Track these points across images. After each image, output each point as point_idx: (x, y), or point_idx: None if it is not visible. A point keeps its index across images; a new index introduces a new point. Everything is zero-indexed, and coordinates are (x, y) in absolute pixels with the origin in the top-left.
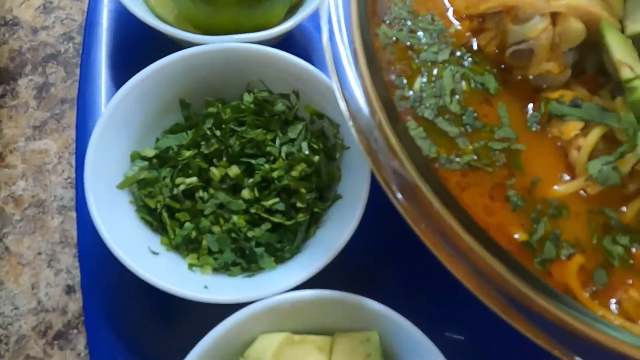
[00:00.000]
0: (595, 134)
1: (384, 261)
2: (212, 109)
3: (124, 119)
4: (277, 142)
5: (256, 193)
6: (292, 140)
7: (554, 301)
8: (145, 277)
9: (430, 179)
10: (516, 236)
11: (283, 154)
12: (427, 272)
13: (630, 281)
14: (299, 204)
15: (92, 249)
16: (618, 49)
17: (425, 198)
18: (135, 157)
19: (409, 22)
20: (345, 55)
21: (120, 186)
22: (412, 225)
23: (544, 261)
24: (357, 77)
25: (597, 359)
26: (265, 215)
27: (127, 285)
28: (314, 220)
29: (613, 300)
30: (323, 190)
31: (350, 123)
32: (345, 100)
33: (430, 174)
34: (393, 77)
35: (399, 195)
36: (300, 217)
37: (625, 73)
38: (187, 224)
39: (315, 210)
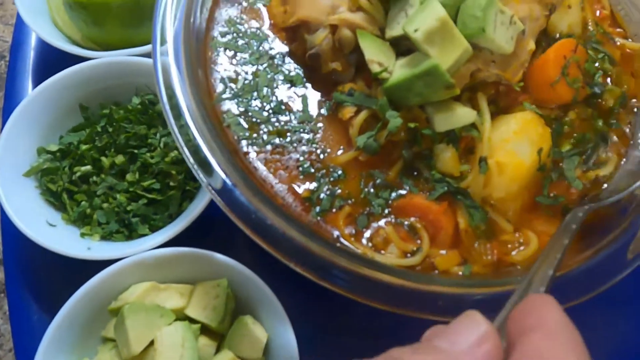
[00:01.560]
0: (362, 115)
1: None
2: (105, 111)
3: (30, 120)
4: (158, 135)
5: (137, 176)
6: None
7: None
8: (39, 241)
9: (234, 158)
10: (300, 192)
11: (162, 144)
12: None
13: (383, 224)
14: (171, 183)
15: (12, 231)
16: (370, 50)
17: (233, 174)
18: (41, 151)
19: (238, 34)
20: (174, 65)
21: (26, 174)
22: (221, 204)
23: (321, 212)
24: (181, 81)
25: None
26: (142, 193)
27: (39, 259)
28: (189, 197)
29: (368, 238)
30: None
31: (175, 127)
32: (169, 102)
33: (234, 154)
34: (220, 77)
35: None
36: (171, 193)
37: (374, 68)
38: (83, 203)
39: (188, 188)
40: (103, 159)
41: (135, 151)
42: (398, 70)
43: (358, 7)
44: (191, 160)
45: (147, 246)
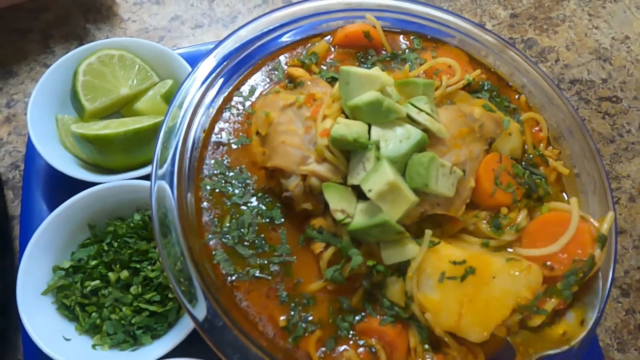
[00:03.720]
0: (330, 250)
1: None
2: (110, 228)
3: (45, 244)
4: (157, 249)
5: (140, 289)
6: None
7: None
8: (56, 357)
9: (221, 294)
10: (278, 319)
11: (160, 259)
12: None
13: (348, 346)
14: (170, 295)
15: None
16: (333, 200)
17: (221, 312)
18: (56, 269)
19: (224, 175)
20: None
21: (44, 293)
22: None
23: (296, 338)
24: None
25: None
26: (145, 306)
27: None
28: None
29: None
30: None
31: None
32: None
33: (222, 288)
34: (210, 217)
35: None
36: (170, 305)
37: (338, 216)
38: (94, 314)
39: None
40: (110, 274)
41: (138, 265)
42: (358, 215)
43: (324, 159)
44: (185, 302)
45: (152, 357)
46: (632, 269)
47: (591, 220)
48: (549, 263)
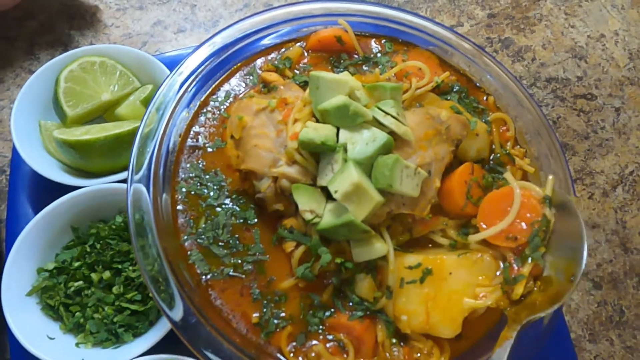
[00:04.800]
0: (300, 249)
1: None
2: (93, 230)
3: (30, 246)
4: None
5: (122, 289)
6: None
7: None
8: (41, 357)
9: (195, 293)
10: (251, 316)
11: None
12: None
13: (317, 340)
14: (151, 294)
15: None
16: (302, 200)
17: (195, 310)
18: (40, 270)
19: (199, 178)
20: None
21: (28, 294)
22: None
23: (268, 333)
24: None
25: None
26: (126, 305)
27: None
28: None
29: (306, 354)
30: None
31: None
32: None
33: (196, 286)
34: (186, 219)
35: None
36: (151, 303)
37: (307, 216)
38: (77, 314)
39: None
40: (92, 275)
41: (120, 266)
42: (327, 215)
43: (294, 161)
44: (160, 302)
45: (133, 354)
46: (604, 262)
47: (534, 187)
48: (510, 235)
